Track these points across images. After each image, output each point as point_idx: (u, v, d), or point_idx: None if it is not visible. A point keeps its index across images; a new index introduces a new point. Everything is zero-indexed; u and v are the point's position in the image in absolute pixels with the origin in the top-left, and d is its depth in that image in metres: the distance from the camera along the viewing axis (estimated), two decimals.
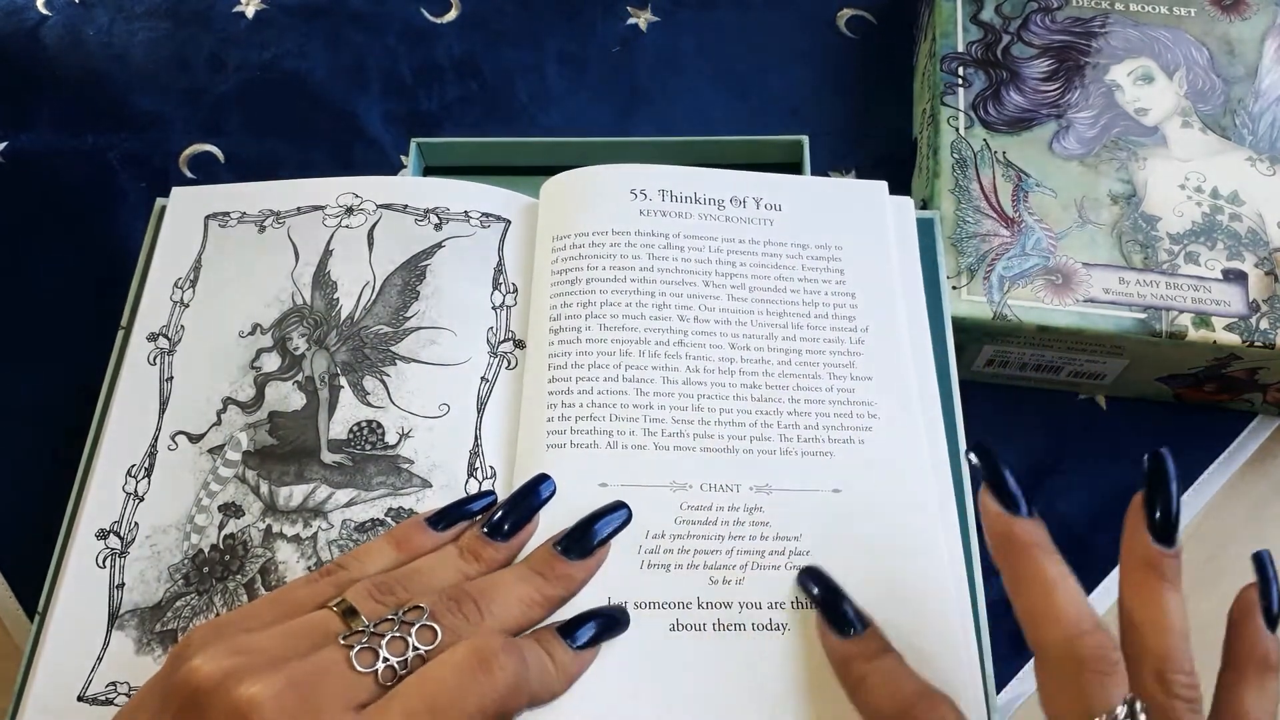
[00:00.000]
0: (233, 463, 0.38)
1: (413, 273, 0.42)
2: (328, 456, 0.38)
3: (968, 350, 0.46)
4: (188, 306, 0.42)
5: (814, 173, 0.49)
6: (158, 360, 0.41)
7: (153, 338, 0.41)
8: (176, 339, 0.41)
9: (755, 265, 0.42)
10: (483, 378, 0.40)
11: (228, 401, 0.40)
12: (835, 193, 0.44)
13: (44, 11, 0.62)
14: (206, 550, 0.37)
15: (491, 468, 0.38)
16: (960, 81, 0.50)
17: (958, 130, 0.49)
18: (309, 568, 0.36)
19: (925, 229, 0.44)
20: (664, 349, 0.39)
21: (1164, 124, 0.48)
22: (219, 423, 0.39)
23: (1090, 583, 0.44)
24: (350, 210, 0.43)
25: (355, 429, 0.39)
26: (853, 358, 0.40)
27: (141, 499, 0.38)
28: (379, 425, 0.39)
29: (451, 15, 0.62)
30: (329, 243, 0.43)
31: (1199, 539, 0.46)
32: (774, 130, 0.53)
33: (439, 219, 0.43)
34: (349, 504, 0.37)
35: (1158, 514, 0.30)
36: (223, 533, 0.37)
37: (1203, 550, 0.45)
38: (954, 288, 0.44)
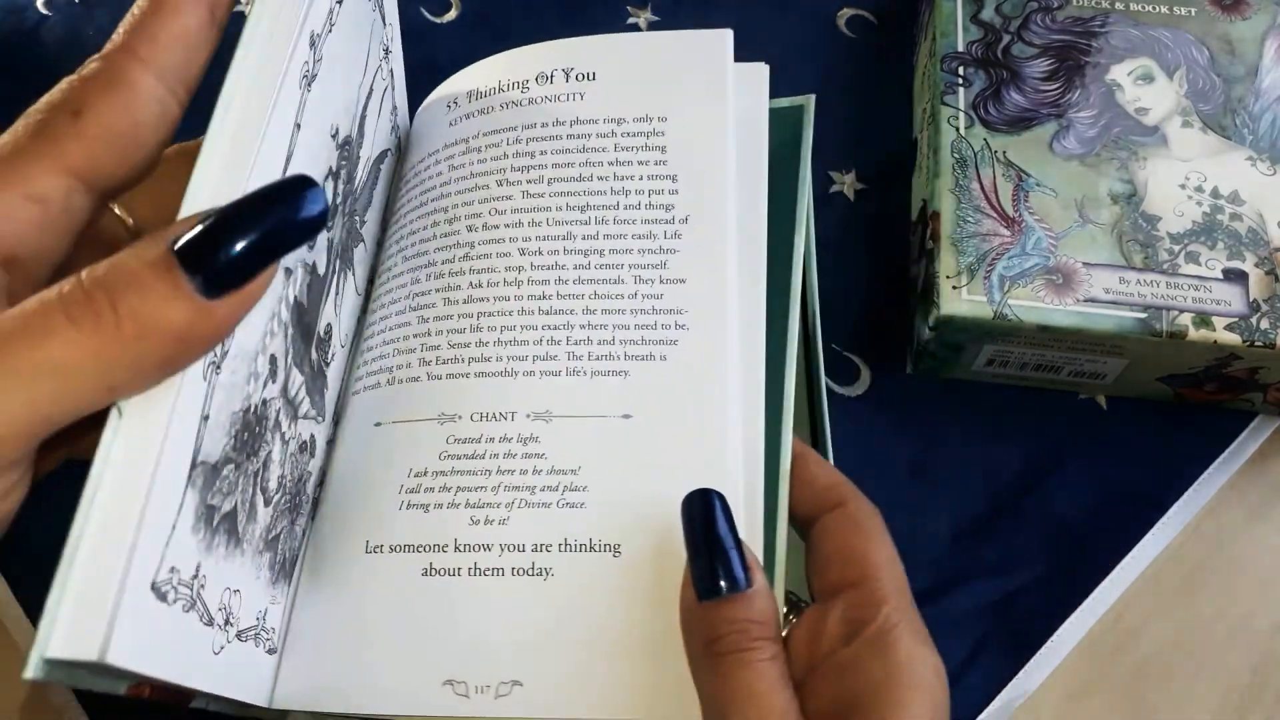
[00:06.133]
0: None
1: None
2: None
3: (968, 350, 0.46)
4: None
5: (813, 171, 0.48)
6: None
7: None
8: None
9: (557, 152, 0.36)
10: None
11: None
12: (664, 52, 0.38)
13: (44, 11, 0.62)
14: (252, 410, 0.29)
15: None
16: (960, 81, 0.50)
17: (958, 130, 0.49)
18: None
19: (791, 119, 0.37)
20: (449, 267, 0.35)
21: (1164, 124, 0.48)
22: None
23: (1089, 583, 0.44)
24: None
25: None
26: (665, 256, 0.34)
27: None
28: None
29: (451, 15, 0.62)
30: None
31: (1197, 539, 0.46)
32: None
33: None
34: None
35: None
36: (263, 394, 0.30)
37: (1201, 550, 0.45)
38: (954, 288, 0.44)
